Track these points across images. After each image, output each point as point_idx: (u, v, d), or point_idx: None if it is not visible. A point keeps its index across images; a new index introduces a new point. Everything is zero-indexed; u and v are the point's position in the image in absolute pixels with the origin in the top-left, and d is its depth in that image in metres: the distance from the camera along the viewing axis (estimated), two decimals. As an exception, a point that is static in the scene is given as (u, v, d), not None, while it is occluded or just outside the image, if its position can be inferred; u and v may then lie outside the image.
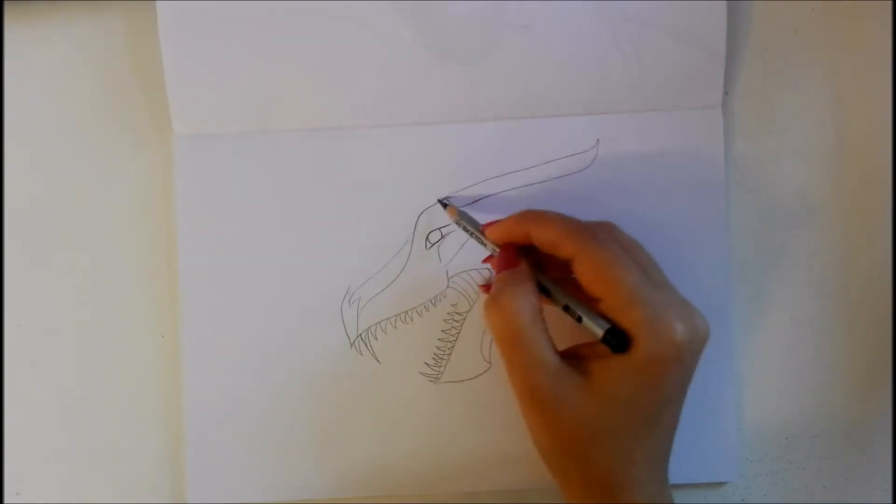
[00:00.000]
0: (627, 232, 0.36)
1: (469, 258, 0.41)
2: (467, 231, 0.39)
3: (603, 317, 0.34)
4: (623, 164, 0.41)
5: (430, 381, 0.41)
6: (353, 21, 0.40)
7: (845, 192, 0.42)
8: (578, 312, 0.35)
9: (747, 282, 0.42)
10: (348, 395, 0.41)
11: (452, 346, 0.41)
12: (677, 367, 0.33)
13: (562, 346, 0.35)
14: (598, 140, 0.41)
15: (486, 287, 0.40)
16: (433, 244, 0.41)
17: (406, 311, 0.41)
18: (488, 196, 0.41)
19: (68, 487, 0.42)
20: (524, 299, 0.35)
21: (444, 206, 0.40)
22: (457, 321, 0.41)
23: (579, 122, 0.41)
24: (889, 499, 0.42)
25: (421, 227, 0.41)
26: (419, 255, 0.41)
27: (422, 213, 0.41)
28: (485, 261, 0.40)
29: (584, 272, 0.34)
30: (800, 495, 0.42)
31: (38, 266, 0.42)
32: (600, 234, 0.35)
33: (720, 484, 0.42)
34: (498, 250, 0.37)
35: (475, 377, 0.41)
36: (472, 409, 0.41)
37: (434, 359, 0.41)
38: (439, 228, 0.41)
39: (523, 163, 0.41)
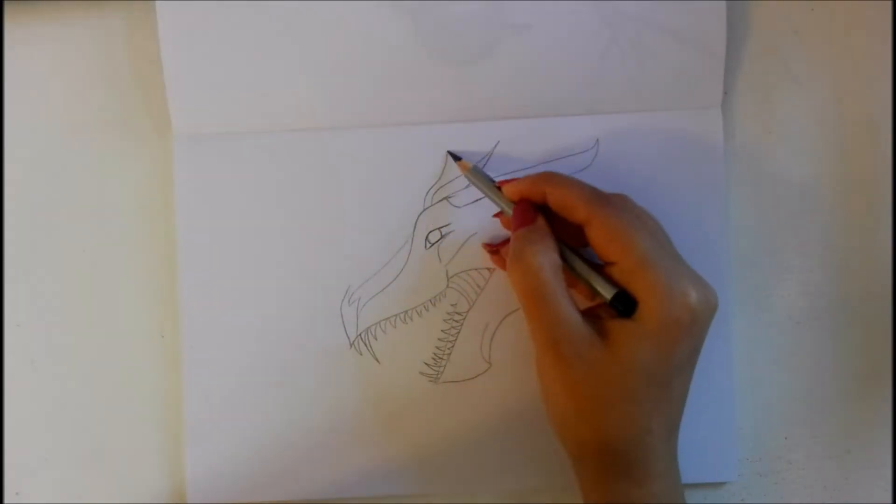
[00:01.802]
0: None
1: (469, 258, 0.41)
2: (479, 187, 0.39)
3: (611, 282, 0.35)
4: (623, 164, 0.41)
5: (430, 381, 0.41)
6: (353, 21, 0.40)
7: (845, 191, 0.42)
8: (588, 277, 0.35)
9: (747, 282, 0.42)
10: (348, 395, 0.41)
11: (452, 346, 0.41)
12: (691, 332, 0.34)
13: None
14: (597, 140, 0.41)
15: (491, 247, 0.40)
16: (433, 244, 0.41)
17: (406, 311, 0.41)
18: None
19: (68, 487, 0.42)
20: (546, 255, 0.35)
21: (457, 158, 0.40)
22: (457, 321, 0.41)
23: (579, 122, 0.41)
24: (889, 499, 0.42)
25: (421, 227, 0.41)
26: (419, 255, 0.41)
27: (422, 212, 0.41)
28: (495, 215, 0.40)
29: (599, 235, 0.35)
30: (800, 495, 0.42)
31: (38, 266, 0.42)
32: (615, 200, 0.36)
33: (720, 484, 0.42)
34: (511, 209, 0.38)
35: (475, 377, 0.41)
36: (471, 409, 0.41)
37: (434, 359, 0.41)
38: (439, 228, 0.41)
39: (523, 163, 0.41)
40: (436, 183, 0.41)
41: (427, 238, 0.41)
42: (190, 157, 0.41)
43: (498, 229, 0.41)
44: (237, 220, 0.41)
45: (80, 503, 0.42)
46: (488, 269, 0.41)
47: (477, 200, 0.41)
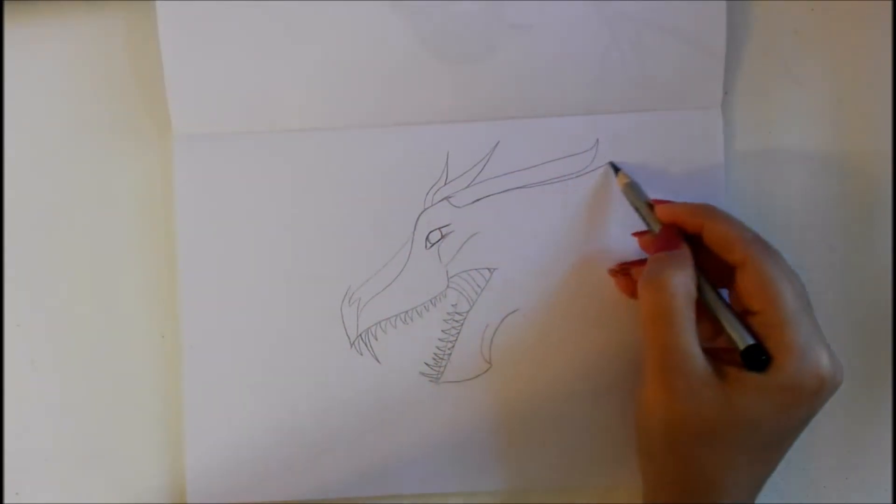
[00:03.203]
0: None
1: (469, 258, 0.41)
2: (632, 201, 0.39)
3: (748, 331, 0.34)
4: (623, 165, 0.41)
5: (430, 381, 0.41)
6: (353, 21, 0.40)
7: (845, 191, 0.42)
8: (724, 319, 0.34)
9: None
10: (348, 395, 0.41)
11: (452, 346, 0.41)
12: (813, 400, 0.33)
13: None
14: (597, 140, 0.41)
15: (621, 266, 0.39)
16: (433, 244, 0.41)
17: (406, 311, 0.41)
18: (488, 196, 0.41)
19: (68, 487, 0.42)
20: (683, 281, 0.34)
21: (616, 170, 0.40)
22: (457, 321, 0.41)
23: (579, 122, 0.41)
24: (889, 499, 0.42)
25: (421, 227, 0.41)
26: (419, 255, 0.41)
27: (422, 212, 0.41)
28: (636, 234, 0.39)
29: (750, 281, 0.34)
30: (800, 495, 0.42)
31: (38, 266, 0.42)
32: (772, 251, 0.35)
33: (720, 484, 0.42)
34: (658, 230, 0.37)
35: (475, 377, 0.41)
36: (471, 409, 0.41)
37: (434, 359, 0.41)
38: (439, 228, 0.41)
39: (523, 163, 0.41)
40: (436, 183, 0.41)
41: (427, 238, 0.41)
42: (190, 157, 0.41)
43: (496, 231, 0.41)
44: (237, 221, 0.41)
45: (79, 503, 0.42)
46: (488, 268, 0.41)
47: (477, 201, 0.41)
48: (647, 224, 0.38)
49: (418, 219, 0.41)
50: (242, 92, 0.41)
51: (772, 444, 0.34)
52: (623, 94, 0.41)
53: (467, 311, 0.41)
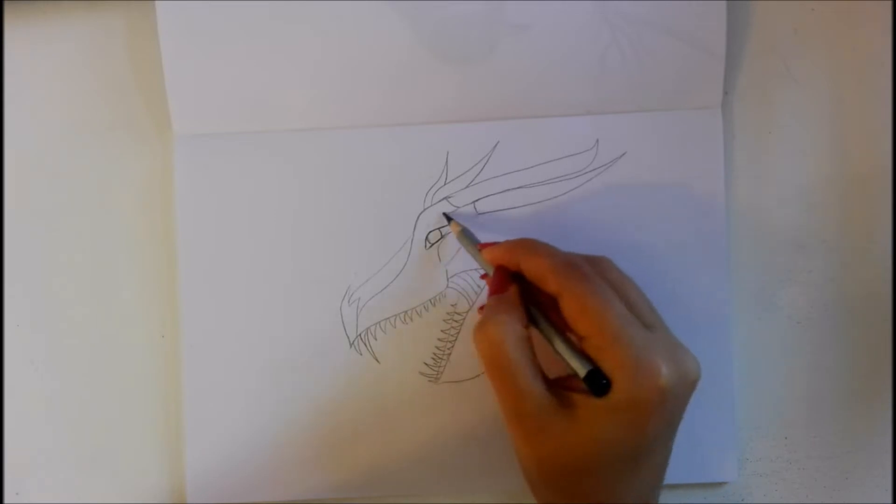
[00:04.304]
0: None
1: (469, 259, 0.41)
2: (467, 250, 0.39)
3: (586, 356, 0.34)
4: (623, 164, 0.41)
5: (430, 381, 0.41)
6: (353, 21, 0.40)
7: (845, 191, 0.42)
8: (560, 350, 0.34)
9: (747, 282, 0.42)
10: (348, 395, 0.41)
11: (452, 346, 0.41)
12: (660, 411, 0.33)
13: (554, 371, 0.35)
14: (597, 140, 0.41)
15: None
16: (433, 244, 0.41)
17: (406, 311, 0.41)
18: (488, 196, 0.41)
19: (68, 487, 0.42)
20: (510, 327, 0.34)
21: (449, 220, 0.40)
22: (456, 321, 0.41)
23: (579, 122, 0.41)
24: (889, 499, 0.42)
25: (421, 227, 0.41)
26: (419, 255, 0.41)
27: (422, 212, 0.41)
28: (482, 277, 0.40)
29: (569, 309, 0.34)
30: (800, 495, 0.42)
31: (38, 266, 0.42)
32: (589, 271, 0.34)
33: (720, 484, 0.42)
34: (492, 271, 0.37)
35: (475, 377, 0.41)
36: (471, 409, 0.41)
37: (433, 359, 0.41)
38: (439, 228, 0.41)
39: (523, 163, 0.41)
40: (436, 183, 0.41)
41: (427, 238, 0.41)
42: (190, 157, 0.41)
43: (496, 231, 0.41)
44: (237, 220, 0.41)
45: (79, 503, 0.42)
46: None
47: (477, 200, 0.41)
48: (485, 268, 0.38)
49: (418, 219, 0.41)
50: (242, 92, 0.41)
51: (635, 458, 0.33)
52: (623, 94, 0.41)
53: (467, 312, 0.41)
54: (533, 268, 0.35)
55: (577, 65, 0.40)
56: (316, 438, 0.41)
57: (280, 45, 0.40)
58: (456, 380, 0.41)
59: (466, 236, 0.39)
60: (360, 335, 0.41)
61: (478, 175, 0.41)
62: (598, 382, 0.33)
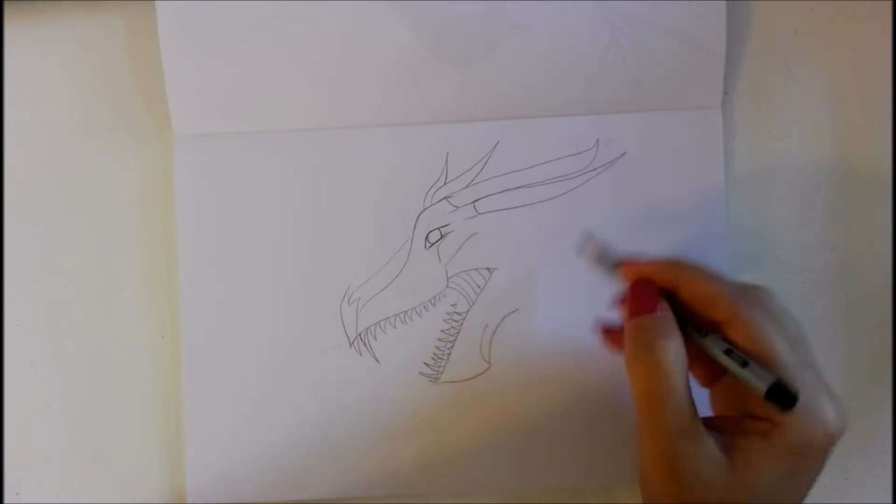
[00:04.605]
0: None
1: (469, 258, 0.41)
2: (605, 271, 0.37)
3: (765, 370, 0.31)
4: (623, 165, 0.41)
5: (430, 381, 0.41)
6: (353, 21, 0.40)
7: (845, 191, 0.42)
8: (734, 369, 0.31)
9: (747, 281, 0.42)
10: (348, 395, 0.41)
11: (452, 346, 0.41)
12: (822, 456, 0.31)
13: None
14: (597, 140, 0.41)
15: (608, 333, 0.37)
16: (433, 244, 0.41)
17: (406, 311, 0.41)
18: (488, 196, 0.41)
19: (68, 487, 0.42)
20: (675, 354, 0.31)
21: (586, 243, 0.38)
22: (456, 321, 0.41)
23: (579, 122, 0.41)
24: (889, 499, 0.42)
25: (421, 227, 0.41)
26: (419, 255, 0.41)
27: (422, 212, 0.41)
28: (616, 301, 0.37)
29: (740, 338, 0.31)
30: (800, 495, 0.42)
31: (38, 266, 0.42)
32: (759, 298, 0.32)
33: (720, 484, 0.42)
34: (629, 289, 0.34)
35: (475, 377, 0.41)
36: (471, 409, 0.41)
37: (433, 359, 0.41)
38: (439, 228, 0.41)
39: (523, 163, 0.41)
40: (435, 183, 0.41)
41: (427, 238, 0.41)
42: (190, 157, 0.41)
43: (495, 231, 0.41)
44: (237, 220, 0.41)
45: (79, 503, 0.42)
46: (488, 268, 0.41)
47: (477, 200, 0.41)
48: (612, 280, 0.36)
49: (418, 219, 0.41)
50: (242, 92, 0.41)
51: (791, 497, 0.31)
52: (623, 94, 0.41)
53: (467, 311, 0.41)
54: (701, 290, 0.33)
55: (577, 65, 0.40)
56: (315, 438, 0.41)
57: (280, 45, 0.40)
58: (456, 380, 0.41)
59: (604, 257, 0.37)
60: (360, 335, 0.41)
61: (478, 175, 0.41)
62: (785, 394, 0.30)
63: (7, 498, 0.42)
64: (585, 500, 0.42)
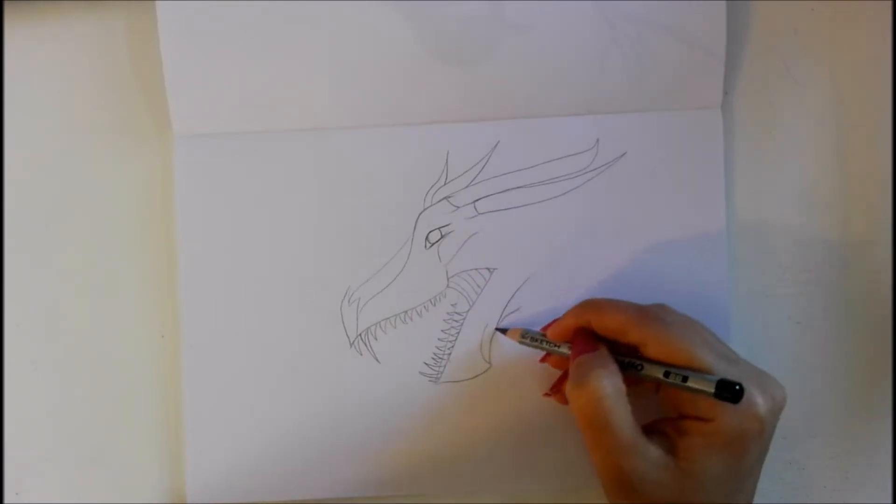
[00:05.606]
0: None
1: (469, 258, 0.41)
2: (537, 347, 0.39)
3: (702, 374, 0.34)
4: (623, 165, 0.41)
5: (430, 381, 0.41)
6: (353, 21, 0.40)
7: (845, 191, 0.42)
8: (677, 381, 0.34)
9: (747, 282, 0.42)
10: (348, 395, 0.41)
11: (452, 346, 0.41)
12: (759, 439, 0.34)
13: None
14: (598, 140, 0.41)
15: (552, 394, 0.40)
16: (433, 244, 0.41)
17: (406, 311, 0.41)
18: (488, 196, 0.41)
19: (68, 487, 0.42)
20: (610, 381, 0.34)
21: (503, 332, 0.41)
22: (456, 321, 0.41)
23: (579, 122, 0.41)
24: (889, 499, 0.42)
25: (421, 227, 0.41)
26: (419, 255, 0.41)
27: (422, 212, 0.41)
28: (541, 360, 0.40)
29: (657, 354, 0.35)
30: (800, 495, 0.42)
31: (37, 266, 0.42)
32: (661, 314, 0.36)
33: (720, 484, 0.42)
34: (568, 350, 0.37)
35: (475, 377, 0.41)
36: (471, 409, 0.41)
37: (434, 359, 0.41)
38: (439, 228, 0.41)
39: (523, 163, 0.41)
40: (436, 183, 0.41)
41: (427, 238, 0.41)
42: (190, 157, 0.41)
43: (496, 231, 0.41)
44: (237, 220, 0.41)
45: (79, 503, 0.42)
46: (488, 268, 0.41)
47: (477, 200, 0.41)
48: (559, 352, 0.38)
49: (418, 219, 0.41)
50: (242, 92, 0.41)
51: (737, 490, 0.34)
52: (623, 94, 0.41)
53: (467, 311, 0.41)
54: (609, 323, 0.36)
55: (578, 65, 0.40)
56: (315, 438, 0.41)
57: (280, 45, 0.40)
58: (456, 380, 0.41)
59: (529, 335, 0.39)
60: (360, 335, 0.41)
61: (478, 175, 0.41)
62: (731, 389, 0.32)
63: (7, 498, 0.42)
64: (585, 500, 0.42)
